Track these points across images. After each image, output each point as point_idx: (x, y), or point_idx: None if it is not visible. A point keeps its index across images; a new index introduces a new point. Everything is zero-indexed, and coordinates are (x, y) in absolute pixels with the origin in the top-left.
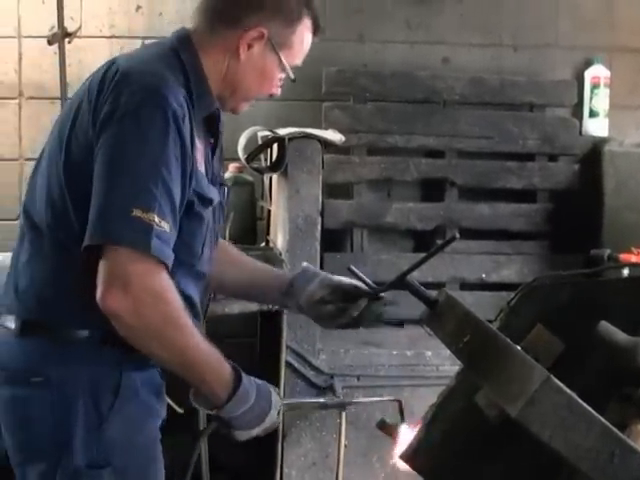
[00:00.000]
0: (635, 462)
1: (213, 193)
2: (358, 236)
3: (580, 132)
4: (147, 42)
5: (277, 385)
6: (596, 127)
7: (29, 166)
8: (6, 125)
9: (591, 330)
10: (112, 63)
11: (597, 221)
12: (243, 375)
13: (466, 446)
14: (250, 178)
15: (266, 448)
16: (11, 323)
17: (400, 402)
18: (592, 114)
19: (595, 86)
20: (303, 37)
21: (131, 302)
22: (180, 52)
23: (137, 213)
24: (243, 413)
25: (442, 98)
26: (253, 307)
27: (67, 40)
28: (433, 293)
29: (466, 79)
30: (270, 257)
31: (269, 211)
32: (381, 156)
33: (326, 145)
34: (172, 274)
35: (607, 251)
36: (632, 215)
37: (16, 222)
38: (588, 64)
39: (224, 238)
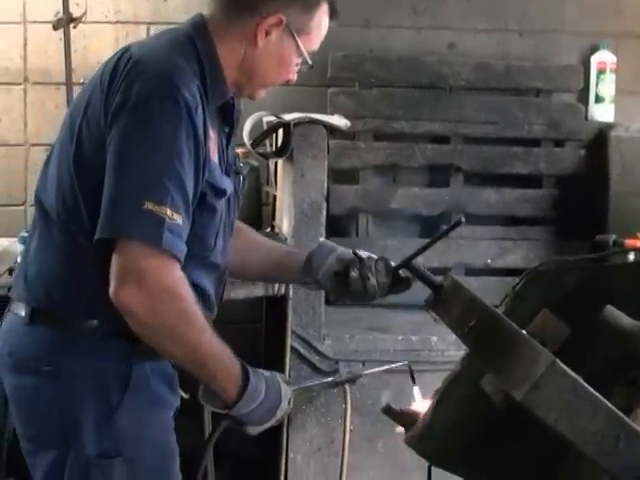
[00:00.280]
0: None
1: (226, 184)
2: (363, 221)
3: (586, 117)
4: (152, 28)
5: (282, 371)
6: (602, 113)
7: (35, 152)
8: (11, 111)
9: (597, 315)
10: (125, 51)
11: (603, 207)
12: (251, 371)
13: (471, 431)
14: (255, 163)
15: (271, 434)
16: (21, 310)
17: (410, 366)
18: (598, 100)
19: (601, 72)
20: (321, 22)
21: (146, 298)
22: (195, 39)
23: (149, 206)
24: (254, 409)
25: (448, 84)
26: (258, 292)
27: (72, 25)
28: (439, 278)
29: (472, 64)
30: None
31: (274, 196)
32: (387, 142)
33: (332, 130)
34: (184, 265)
35: (613, 236)
36: (638, 201)
37: (22, 207)
38: (594, 49)
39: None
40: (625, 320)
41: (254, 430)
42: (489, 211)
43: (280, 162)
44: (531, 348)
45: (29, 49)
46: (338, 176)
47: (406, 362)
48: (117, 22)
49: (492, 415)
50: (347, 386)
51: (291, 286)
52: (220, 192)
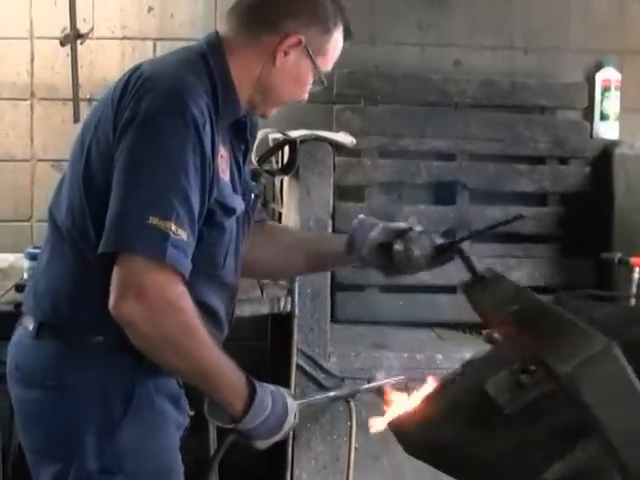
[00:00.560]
0: None
1: (237, 202)
2: None
3: (591, 135)
4: (159, 44)
5: (288, 388)
6: (607, 130)
7: (41, 167)
8: (18, 126)
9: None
10: (136, 69)
11: (608, 224)
12: (257, 385)
13: (463, 428)
14: (262, 180)
15: (276, 451)
16: (30, 324)
17: (406, 381)
18: (603, 117)
19: (606, 89)
20: (337, 43)
21: (145, 310)
22: (208, 57)
23: (153, 221)
24: (261, 423)
25: (453, 100)
26: (264, 310)
27: (79, 41)
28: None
29: (477, 81)
30: None
31: (280, 213)
32: (392, 159)
33: (337, 147)
34: (192, 284)
35: (618, 254)
36: None
37: (28, 223)
38: (599, 67)
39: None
40: None
41: (261, 444)
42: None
43: (286, 179)
44: (585, 332)
45: (36, 65)
46: (344, 193)
47: (403, 377)
48: (124, 38)
49: (488, 417)
50: (352, 404)
51: (297, 304)
52: (229, 211)
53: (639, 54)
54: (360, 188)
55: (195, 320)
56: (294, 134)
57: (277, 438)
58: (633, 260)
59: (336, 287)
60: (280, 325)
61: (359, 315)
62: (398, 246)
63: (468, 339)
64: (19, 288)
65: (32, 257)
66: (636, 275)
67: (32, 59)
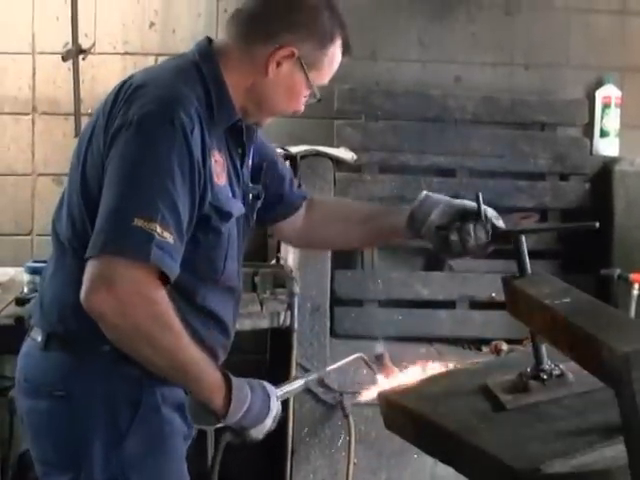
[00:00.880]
0: None
1: (235, 206)
2: (369, 254)
3: (591, 152)
4: (160, 59)
5: (286, 402)
6: (607, 147)
7: (42, 181)
8: (19, 140)
9: None
10: (128, 79)
11: (607, 240)
12: (231, 376)
13: (462, 414)
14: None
15: (275, 464)
16: (38, 336)
17: (363, 357)
18: (603, 134)
19: (606, 106)
20: (333, 58)
21: (115, 301)
22: (200, 64)
23: (138, 223)
24: (247, 411)
25: (454, 117)
26: (264, 324)
27: (81, 56)
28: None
29: (478, 98)
30: (280, 274)
31: None
32: (393, 174)
33: (338, 163)
34: (196, 290)
35: (617, 270)
36: None
37: (29, 237)
38: (599, 84)
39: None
40: None
41: (256, 433)
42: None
43: None
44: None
45: (38, 79)
46: None
47: (360, 354)
48: (125, 53)
49: (484, 411)
50: (351, 418)
51: (296, 318)
52: (225, 215)
53: (639, 71)
54: None
55: (169, 312)
56: (295, 149)
57: (269, 424)
58: (632, 276)
59: (335, 302)
60: (280, 339)
61: (358, 330)
62: (454, 237)
63: (467, 354)
64: (19, 302)
65: (32, 271)
66: (635, 291)
67: (34, 74)
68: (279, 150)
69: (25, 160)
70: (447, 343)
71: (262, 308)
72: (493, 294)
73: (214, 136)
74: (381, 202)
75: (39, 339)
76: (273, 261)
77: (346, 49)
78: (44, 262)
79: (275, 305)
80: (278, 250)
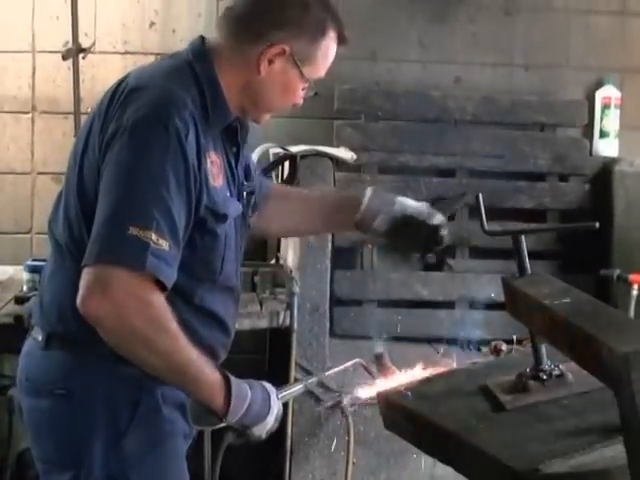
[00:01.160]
0: None
1: (232, 207)
2: (368, 254)
3: (590, 152)
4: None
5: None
6: (606, 147)
7: (41, 180)
8: (19, 139)
9: None
10: (124, 79)
11: (607, 241)
12: (229, 374)
13: (462, 414)
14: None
15: (274, 464)
16: (38, 336)
17: (362, 362)
18: (603, 134)
19: (606, 106)
20: (327, 51)
21: (111, 305)
22: (194, 64)
23: (133, 231)
24: (248, 409)
25: (454, 117)
26: (263, 324)
27: (81, 55)
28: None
29: (478, 98)
30: (280, 274)
31: None
32: (392, 174)
33: (338, 163)
34: (195, 292)
35: (617, 271)
36: None
37: (28, 235)
38: (599, 84)
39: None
40: None
41: (259, 431)
42: (493, 245)
43: None
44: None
45: (38, 78)
46: None
47: (359, 360)
48: (125, 52)
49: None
50: (350, 419)
51: (296, 318)
52: (221, 217)
53: (639, 72)
54: None
55: (165, 314)
56: (295, 149)
57: (271, 421)
58: (632, 277)
59: (334, 302)
60: (279, 339)
61: (357, 330)
62: (398, 243)
63: (466, 355)
64: (19, 300)
65: (32, 269)
66: (635, 292)
67: (34, 73)
68: (279, 150)
69: (24, 159)
70: (446, 343)
71: (261, 308)
72: (492, 294)
73: (210, 136)
74: None
75: (40, 338)
76: (273, 261)
77: (341, 40)
78: (43, 261)
79: (274, 305)
80: (278, 250)
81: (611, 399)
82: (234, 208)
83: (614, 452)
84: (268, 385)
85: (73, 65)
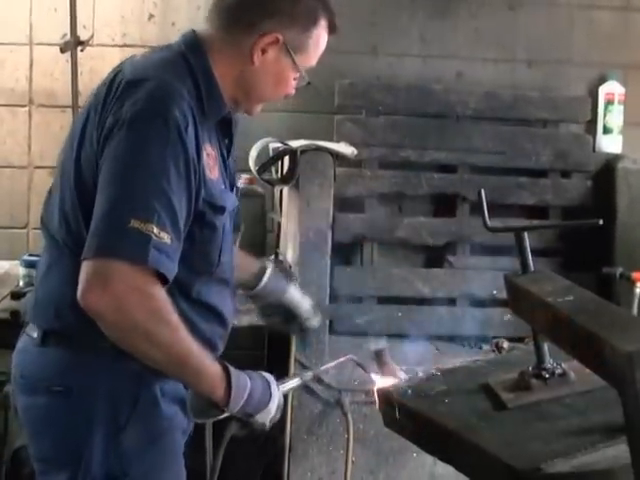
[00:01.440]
0: None
1: (227, 200)
2: (368, 250)
3: (593, 149)
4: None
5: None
6: (610, 144)
7: (38, 174)
8: (16, 133)
9: None
10: (118, 71)
11: (609, 238)
12: (227, 364)
13: (464, 413)
14: (261, 190)
15: (273, 462)
16: (33, 332)
17: (354, 359)
18: (606, 131)
19: (609, 103)
20: (319, 40)
21: (112, 298)
22: (188, 56)
23: (135, 224)
24: (249, 397)
25: (455, 112)
26: (261, 321)
27: (79, 48)
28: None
29: (480, 94)
30: (280, 270)
31: (279, 223)
32: (393, 170)
33: (338, 158)
34: (192, 285)
35: (619, 269)
36: None
37: (24, 230)
38: (602, 80)
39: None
40: None
41: (262, 418)
42: (495, 242)
43: (286, 189)
44: None
45: (35, 71)
46: (344, 204)
47: (350, 356)
48: (124, 45)
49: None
50: (349, 416)
51: None
52: (219, 209)
53: None
54: (360, 199)
55: (166, 307)
56: (294, 144)
57: (273, 409)
58: (635, 275)
59: (334, 298)
60: (278, 336)
61: (357, 327)
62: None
63: (468, 352)
64: (15, 295)
65: (28, 264)
66: (638, 290)
67: (31, 65)
68: (279, 145)
69: (21, 153)
70: (447, 341)
71: None
72: (494, 291)
73: (205, 129)
74: (380, 198)
75: (35, 335)
76: (272, 256)
77: (332, 29)
78: (40, 256)
79: None
80: (277, 245)
81: (614, 398)
82: (230, 201)
83: (617, 452)
84: (267, 374)
85: (71, 58)
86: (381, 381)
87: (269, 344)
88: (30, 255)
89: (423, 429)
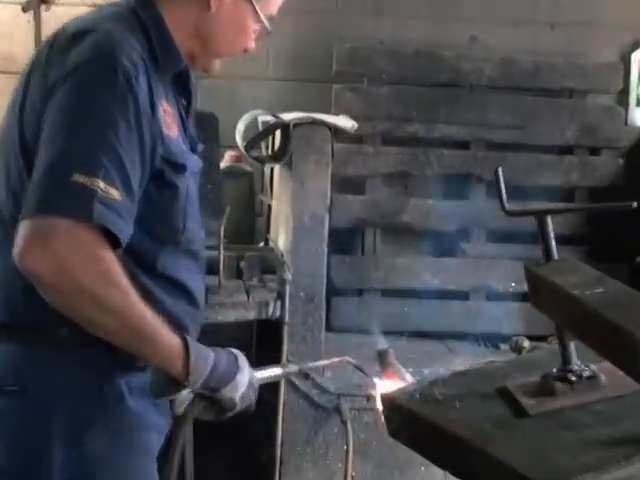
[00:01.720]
0: None
1: (189, 159)
2: (370, 236)
3: (626, 122)
4: None
5: (275, 404)
6: None
7: None
8: None
9: None
10: (61, 29)
11: None
12: (186, 335)
13: (478, 422)
14: (249, 168)
15: (261, 477)
16: None
17: (350, 360)
18: (639, 102)
19: None
20: None
21: (53, 258)
22: (139, 10)
23: (78, 178)
24: (213, 368)
25: (468, 82)
26: (250, 315)
27: (43, 7)
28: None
29: (496, 60)
30: (270, 259)
31: (269, 206)
32: (398, 146)
33: (336, 133)
34: (157, 256)
35: None
36: None
37: None
38: (636, 45)
39: (218, 235)
40: None
41: (230, 392)
42: (513, 228)
43: (277, 168)
44: None
45: None
46: (343, 185)
47: (346, 357)
48: (93, 5)
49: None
50: (349, 425)
51: (287, 309)
52: (179, 168)
53: None
54: (361, 179)
55: (114, 268)
56: (287, 117)
57: (243, 382)
58: None
59: (331, 291)
60: (268, 332)
61: (357, 323)
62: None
63: (483, 352)
64: None
65: None
66: None
67: None
68: (269, 118)
69: None
70: (460, 339)
71: (248, 297)
72: (513, 284)
73: (160, 84)
74: (384, 178)
75: None
76: (261, 244)
77: None
78: None
79: (263, 294)
80: (267, 231)
81: None
82: (193, 161)
83: None
84: (234, 350)
85: (34, 19)
86: (385, 385)
87: (258, 341)
88: None
89: (432, 440)
